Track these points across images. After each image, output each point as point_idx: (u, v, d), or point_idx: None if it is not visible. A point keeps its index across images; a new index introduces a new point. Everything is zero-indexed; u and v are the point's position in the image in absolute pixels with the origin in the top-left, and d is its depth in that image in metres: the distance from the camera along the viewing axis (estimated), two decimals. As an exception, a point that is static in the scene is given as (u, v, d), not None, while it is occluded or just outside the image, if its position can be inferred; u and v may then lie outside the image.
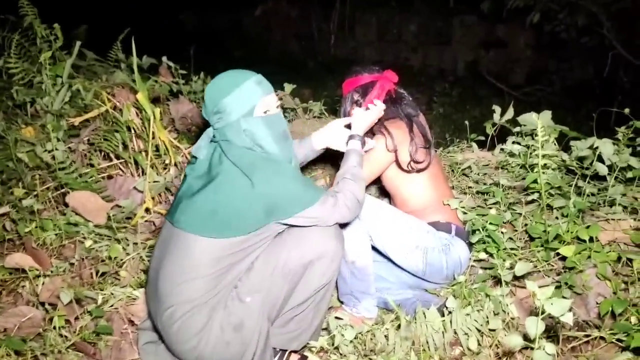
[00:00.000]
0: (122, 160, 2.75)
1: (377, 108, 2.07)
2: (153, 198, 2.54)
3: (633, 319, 1.77)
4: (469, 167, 2.69)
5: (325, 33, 10.97)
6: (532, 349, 1.39)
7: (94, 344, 1.92)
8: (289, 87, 3.62)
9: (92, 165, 2.72)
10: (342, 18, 10.86)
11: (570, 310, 1.35)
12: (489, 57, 8.93)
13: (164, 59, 3.75)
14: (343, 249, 1.80)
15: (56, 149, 2.59)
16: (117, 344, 1.94)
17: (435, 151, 3.13)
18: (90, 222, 2.38)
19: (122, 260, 2.19)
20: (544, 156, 1.99)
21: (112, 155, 2.84)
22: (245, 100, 1.68)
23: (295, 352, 1.88)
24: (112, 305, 2.01)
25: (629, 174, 2.24)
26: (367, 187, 2.76)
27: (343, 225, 1.99)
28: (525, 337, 1.42)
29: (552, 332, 1.80)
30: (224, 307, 1.65)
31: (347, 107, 2.25)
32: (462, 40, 9.42)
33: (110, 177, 2.80)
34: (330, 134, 2.10)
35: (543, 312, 1.34)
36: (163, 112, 3.35)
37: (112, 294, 2.03)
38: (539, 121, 2.05)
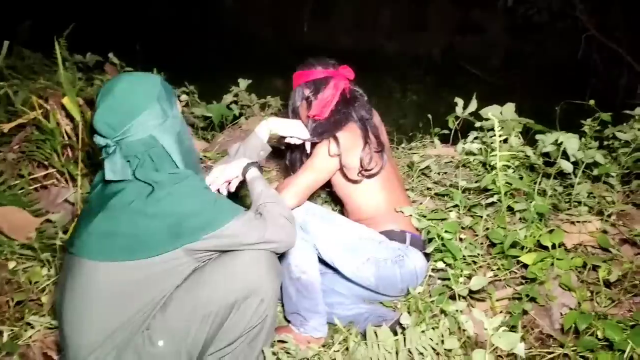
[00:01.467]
0: (55, 169, 2.53)
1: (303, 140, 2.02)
2: (88, 210, 2.33)
3: (600, 334, 1.62)
4: (428, 166, 2.51)
5: (298, 20, 10.73)
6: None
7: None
8: (243, 83, 3.43)
9: (22, 176, 2.50)
10: (315, 4, 10.63)
11: (522, 341, 1.20)
12: (464, 42, 8.78)
13: (110, 55, 3.53)
14: (277, 283, 1.59)
15: (-19, 160, 2.38)
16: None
17: (397, 148, 2.98)
18: (16, 241, 2.17)
19: (42, 284, 1.98)
20: (503, 156, 1.83)
21: (47, 165, 2.63)
22: (159, 113, 1.47)
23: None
24: (30, 337, 1.81)
25: (596, 171, 2.09)
26: (315, 194, 2.61)
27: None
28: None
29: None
30: (132, 352, 1.45)
31: (296, 102, 2.06)
32: (437, 26, 9.27)
33: (44, 187, 2.58)
34: (290, 130, 2.00)
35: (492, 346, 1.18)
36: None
37: (28, 324, 1.82)
38: (497, 117, 1.89)
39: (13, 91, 2.67)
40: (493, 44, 8.48)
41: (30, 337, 1.81)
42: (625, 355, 1.45)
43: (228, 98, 3.40)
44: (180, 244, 1.42)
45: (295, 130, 2.02)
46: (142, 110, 1.43)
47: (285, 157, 2.30)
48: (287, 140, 2.08)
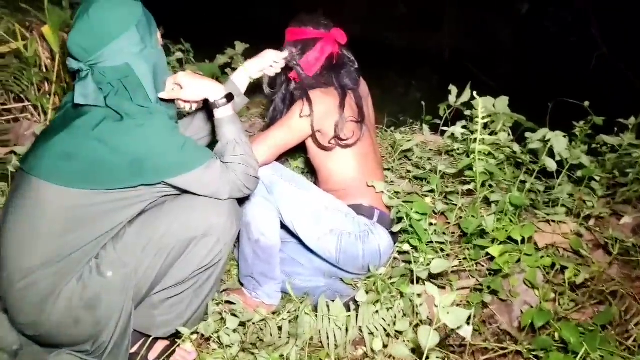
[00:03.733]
0: (30, 103, 2.45)
1: (277, 64, 1.88)
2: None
3: (557, 335, 1.55)
4: (411, 149, 2.43)
5: (312, 7, 10.58)
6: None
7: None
8: (240, 46, 3.34)
9: (-6, 105, 2.42)
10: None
11: (468, 322, 1.13)
12: (474, 45, 8.67)
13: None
14: (236, 228, 1.54)
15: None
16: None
17: (385, 130, 2.90)
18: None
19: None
20: (483, 141, 1.76)
21: (23, 97, 2.54)
22: (137, 40, 1.39)
23: (163, 338, 1.62)
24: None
25: (579, 173, 2.01)
26: (288, 156, 2.52)
27: (246, 199, 1.74)
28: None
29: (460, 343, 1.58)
30: (78, 279, 1.39)
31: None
32: (450, 26, 9.15)
33: (16, 120, 2.50)
34: (265, 59, 1.85)
35: (439, 322, 1.11)
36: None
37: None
38: (480, 102, 1.81)
39: (-3, 19, 2.57)
40: (503, 50, 8.37)
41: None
42: (577, 358, 1.39)
43: (222, 59, 3.31)
44: (140, 183, 1.37)
45: (269, 57, 1.87)
46: (118, 35, 1.35)
47: (267, 109, 2.17)
48: (267, 73, 1.91)
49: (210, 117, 1.63)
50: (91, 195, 1.33)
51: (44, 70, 2.35)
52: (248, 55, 3.42)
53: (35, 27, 2.59)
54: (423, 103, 2.87)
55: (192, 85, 1.52)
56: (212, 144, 1.67)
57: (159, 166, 1.35)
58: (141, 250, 1.42)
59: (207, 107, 1.74)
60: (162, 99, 1.50)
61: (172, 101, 1.56)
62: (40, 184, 1.31)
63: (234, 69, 3.32)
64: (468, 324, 1.12)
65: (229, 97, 1.54)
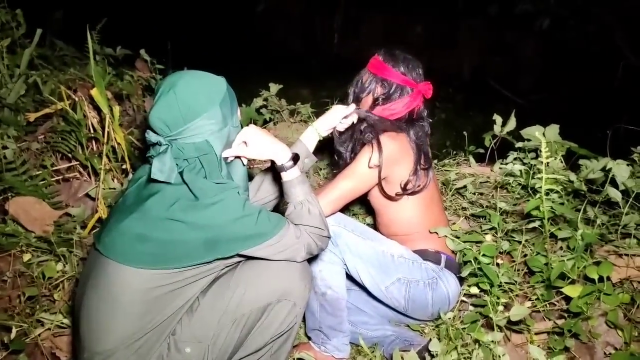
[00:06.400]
0: (78, 162, 2.47)
1: (347, 120, 1.83)
2: (108, 207, 2.25)
3: (648, 379, 1.48)
4: (465, 186, 2.39)
5: (329, 32, 10.67)
6: None
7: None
8: (274, 87, 3.35)
9: (44, 167, 2.44)
10: (346, 17, 10.57)
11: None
12: (496, 62, 8.62)
13: (142, 51, 3.48)
14: (310, 290, 1.52)
15: (5, 147, 2.31)
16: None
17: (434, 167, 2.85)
18: (33, 233, 2.10)
19: (56, 280, 1.90)
20: (548, 180, 1.71)
21: (71, 157, 2.57)
22: (219, 119, 1.37)
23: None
24: (39, 335, 1.72)
25: (646, 202, 1.95)
26: (349, 205, 2.47)
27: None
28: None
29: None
30: (157, 357, 1.37)
31: (362, 92, 1.87)
32: (469, 44, 9.12)
33: (66, 180, 2.52)
34: (334, 116, 1.81)
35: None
36: (137, 109, 3.08)
37: (38, 321, 1.74)
38: (543, 138, 1.77)
39: (42, 80, 2.62)
40: (525, 65, 8.30)
41: (39, 335, 1.73)
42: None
43: (258, 102, 3.32)
44: (215, 257, 1.35)
45: (339, 113, 1.82)
46: (202, 113, 1.34)
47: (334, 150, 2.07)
48: (338, 129, 1.88)
49: (278, 178, 1.61)
50: (167, 275, 1.31)
51: (92, 130, 2.37)
52: (281, 94, 3.45)
53: (79, 87, 2.63)
54: (465, 133, 2.83)
55: (258, 144, 1.49)
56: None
57: (235, 240, 1.33)
58: (217, 322, 1.40)
59: (274, 169, 1.72)
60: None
61: (246, 181, 1.55)
62: (116, 266, 1.30)
63: (270, 111, 3.34)
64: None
65: (296, 159, 1.52)
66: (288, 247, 1.40)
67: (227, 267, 1.44)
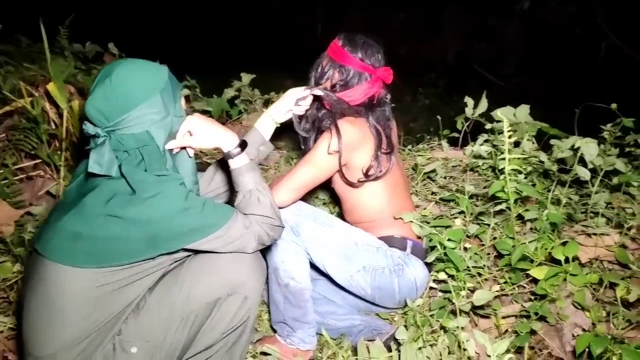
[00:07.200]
0: (41, 160, 2.41)
1: (304, 101, 1.77)
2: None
3: (615, 359, 1.45)
4: (434, 170, 2.35)
5: (312, 22, 10.60)
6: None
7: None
8: (246, 77, 3.29)
9: (6, 166, 2.38)
10: (330, 5, 10.51)
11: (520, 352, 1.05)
12: (479, 47, 8.59)
13: (110, 45, 3.41)
14: (262, 282, 1.46)
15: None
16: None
17: (403, 150, 2.82)
18: (-7, 234, 2.05)
19: (12, 280, 1.85)
20: (512, 160, 1.67)
21: (34, 155, 2.51)
22: (160, 108, 1.30)
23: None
24: (-7, 338, 1.67)
25: (615, 180, 1.92)
26: (313, 194, 2.43)
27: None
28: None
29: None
30: (102, 358, 1.32)
31: (321, 77, 1.82)
32: (451, 30, 9.09)
33: (30, 178, 2.46)
34: (287, 100, 1.76)
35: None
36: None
37: (-9, 323, 1.69)
38: (508, 119, 1.72)
39: (2, 78, 2.55)
40: (508, 48, 8.27)
41: (-8, 337, 1.68)
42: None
43: (229, 92, 3.26)
44: (158, 253, 1.29)
45: (292, 96, 1.78)
46: (141, 102, 1.27)
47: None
48: (296, 112, 1.82)
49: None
50: (108, 274, 1.26)
51: (53, 126, 2.31)
52: (255, 84, 3.39)
53: (41, 83, 2.57)
54: (439, 117, 2.79)
55: (203, 133, 1.42)
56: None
57: (178, 234, 1.27)
58: (165, 320, 1.35)
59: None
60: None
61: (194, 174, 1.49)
62: (54, 266, 1.24)
63: (243, 101, 3.28)
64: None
65: (243, 145, 1.46)
66: (237, 238, 1.34)
67: (175, 261, 1.39)
